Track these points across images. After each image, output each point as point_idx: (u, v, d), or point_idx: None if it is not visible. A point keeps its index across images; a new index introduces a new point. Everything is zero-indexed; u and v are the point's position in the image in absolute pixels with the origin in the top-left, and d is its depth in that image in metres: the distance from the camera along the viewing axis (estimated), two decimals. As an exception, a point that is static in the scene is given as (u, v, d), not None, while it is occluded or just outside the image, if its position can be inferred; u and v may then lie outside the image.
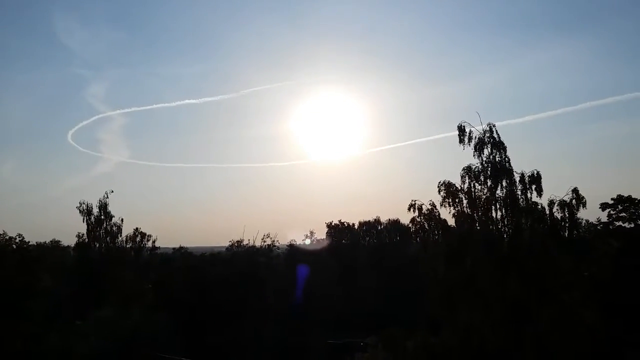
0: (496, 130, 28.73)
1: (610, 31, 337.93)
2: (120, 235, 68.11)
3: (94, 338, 44.26)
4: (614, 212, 45.18)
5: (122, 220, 67.65)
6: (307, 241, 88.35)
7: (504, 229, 28.52)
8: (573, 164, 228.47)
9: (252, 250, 66.98)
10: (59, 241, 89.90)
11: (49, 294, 50.92)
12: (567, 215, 27.76)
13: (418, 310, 40.26)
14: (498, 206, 28.24)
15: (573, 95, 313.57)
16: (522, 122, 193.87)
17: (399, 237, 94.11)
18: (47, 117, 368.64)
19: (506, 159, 28.49)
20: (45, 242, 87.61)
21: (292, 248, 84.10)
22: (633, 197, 44.87)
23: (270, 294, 60.88)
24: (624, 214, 44.81)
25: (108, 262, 64.57)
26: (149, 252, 76.07)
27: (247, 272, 61.67)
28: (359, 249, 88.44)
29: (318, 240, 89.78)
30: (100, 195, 66.37)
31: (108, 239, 66.95)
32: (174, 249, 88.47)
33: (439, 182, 28.70)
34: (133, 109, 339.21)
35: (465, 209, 28.49)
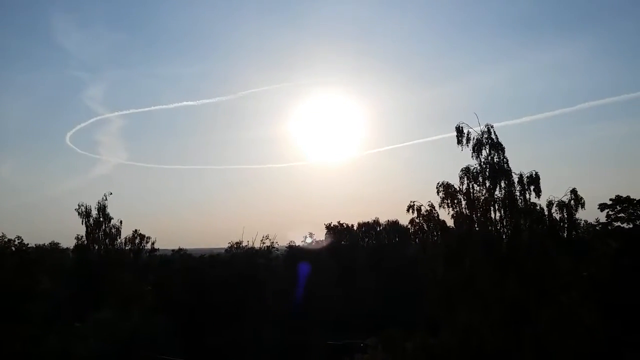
0: (494, 131, 28.79)
1: (609, 31, 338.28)
2: (119, 237, 68.11)
3: (93, 340, 44.22)
4: (612, 213, 45.27)
5: (121, 222, 67.67)
6: (308, 239, 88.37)
7: (503, 230, 28.54)
8: (571, 165, 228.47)
9: (251, 252, 67.03)
10: (58, 243, 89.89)
11: (48, 296, 50.85)
12: (566, 215, 27.80)
13: (417, 311, 40.27)
14: (497, 207, 28.26)
15: (571, 96, 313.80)
16: (520, 123, 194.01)
17: (398, 238, 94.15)
18: (45, 118, 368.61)
19: (504, 159, 28.54)
20: (44, 244, 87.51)
21: (292, 249, 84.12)
22: (631, 197, 44.98)
23: (270, 295, 60.94)
24: (622, 215, 44.89)
25: (107, 264, 64.55)
26: (148, 254, 75.97)
27: (246, 274, 61.74)
28: (358, 250, 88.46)
29: (317, 242, 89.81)
30: (99, 197, 66.39)
31: (107, 241, 66.93)
32: (173, 250, 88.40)
33: (438, 183, 28.76)
34: (131, 110, 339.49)
35: (464, 210, 28.52)
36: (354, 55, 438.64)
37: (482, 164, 28.58)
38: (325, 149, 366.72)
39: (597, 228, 49.12)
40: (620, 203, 45.04)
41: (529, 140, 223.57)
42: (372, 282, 72.83)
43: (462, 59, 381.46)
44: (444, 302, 28.17)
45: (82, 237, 66.21)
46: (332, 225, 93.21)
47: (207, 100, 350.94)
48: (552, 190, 28.25)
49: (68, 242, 76.85)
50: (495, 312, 26.71)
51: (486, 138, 28.66)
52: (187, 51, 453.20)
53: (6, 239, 65.61)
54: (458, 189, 28.54)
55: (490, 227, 28.41)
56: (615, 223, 45.31)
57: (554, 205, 27.80)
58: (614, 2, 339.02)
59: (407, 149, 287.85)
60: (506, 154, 28.62)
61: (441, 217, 29.01)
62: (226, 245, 71.06)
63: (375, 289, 71.92)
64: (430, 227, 29.37)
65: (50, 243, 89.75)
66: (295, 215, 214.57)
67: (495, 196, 28.24)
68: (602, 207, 45.67)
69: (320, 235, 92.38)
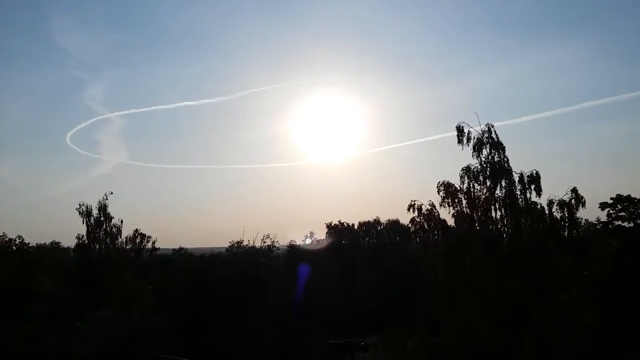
0: (495, 131, 28.79)
1: (609, 32, 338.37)
2: (120, 237, 68.15)
3: (94, 339, 44.22)
4: (613, 212, 45.21)
5: (121, 221, 67.71)
6: (308, 240, 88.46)
7: (504, 229, 28.55)
8: (572, 164, 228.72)
9: (252, 251, 67.01)
10: (59, 243, 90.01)
11: (48, 296, 50.85)
12: (567, 214, 27.80)
13: (418, 310, 40.28)
14: (497, 206, 28.27)
15: (571, 96, 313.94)
16: (521, 123, 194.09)
17: (398, 237, 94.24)
18: (46, 118, 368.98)
19: (505, 159, 28.53)
20: (45, 244, 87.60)
21: (292, 248, 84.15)
22: (632, 196, 44.91)
23: (270, 294, 60.94)
24: (623, 214, 44.84)
25: (108, 263, 64.60)
26: (148, 253, 76.10)
27: (247, 273, 61.73)
28: (358, 249, 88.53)
29: (318, 241, 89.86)
30: (100, 197, 66.44)
31: (108, 240, 66.97)
32: (173, 250, 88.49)
33: (438, 183, 28.75)
34: (131, 110, 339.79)
35: (464, 209, 28.52)
36: (354, 55, 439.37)
37: (482, 163, 28.58)
38: (325, 149, 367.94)
39: (597, 227, 49.09)
40: (621, 202, 45.00)
41: (530, 139, 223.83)
42: (372, 281, 72.89)
43: (462, 58, 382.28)
44: (444, 301, 28.19)
45: (83, 236, 66.30)
46: (332, 224, 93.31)
47: (208, 100, 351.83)
48: (553, 190, 28.31)
49: (69, 241, 77.10)
50: (496, 311, 26.72)
51: (487, 137, 28.66)
52: (187, 51, 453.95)
53: (7, 239, 65.65)
54: (459, 188, 28.55)
55: (491, 226, 28.42)
56: (616, 222, 45.26)
57: (555, 204, 27.81)
58: (614, 2, 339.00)
59: (407, 149, 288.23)
60: (507, 153, 28.66)
61: (442, 216, 29.05)
62: (227, 245, 71.13)
63: (376, 288, 72.00)
64: (430, 226, 29.37)
65: (51, 242, 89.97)
66: (296, 215, 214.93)
67: (496, 195, 28.25)
68: (602, 206, 45.62)
69: (321, 234, 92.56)
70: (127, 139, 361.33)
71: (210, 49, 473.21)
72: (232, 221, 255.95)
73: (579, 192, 27.69)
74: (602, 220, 47.47)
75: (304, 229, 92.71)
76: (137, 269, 69.20)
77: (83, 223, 65.73)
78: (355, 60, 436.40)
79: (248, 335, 55.24)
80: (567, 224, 28.03)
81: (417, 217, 29.11)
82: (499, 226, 28.45)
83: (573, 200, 27.64)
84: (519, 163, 28.83)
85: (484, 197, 28.31)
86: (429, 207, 28.93)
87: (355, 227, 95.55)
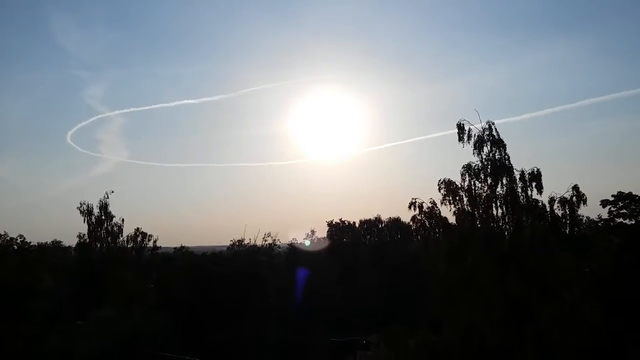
0: (495, 128, 28.72)
1: (609, 30, 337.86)
2: (121, 235, 68.16)
3: (95, 338, 44.23)
4: (614, 209, 45.17)
5: (122, 220, 67.74)
6: (307, 242, 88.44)
7: (505, 227, 28.50)
8: (573, 161, 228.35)
9: (253, 250, 66.95)
10: (60, 241, 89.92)
11: (50, 295, 50.94)
12: (568, 212, 27.75)
13: (419, 308, 40.30)
14: (498, 204, 28.23)
15: (572, 93, 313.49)
16: (521, 120, 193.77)
17: (399, 235, 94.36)
18: (46, 118, 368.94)
19: (506, 156, 28.48)
20: (46, 243, 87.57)
21: (293, 247, 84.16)
22: (634, 193, 44.86)
23: (272, 293, 60.91)
24: (624, 211, 44.79)
25: (109, 262, 64.62)
26: (150, 251, 75.95)
27: (248, 271, 61.67)
28: (359, 248, 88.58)
29: (319, 239, 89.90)
30: (101, 196, 66.47)
31: (109, 239, 67.00)
32: (175, 248, 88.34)
33: (439, 180, 28.70)
34: (132, 109, 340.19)
35: (465, 206, 28.48)
36: (353, 52, 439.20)
37: (483, 160, 28.54)
38: (326, 147, 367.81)
39: (599, 224, 49.12)
40: (622, 199, 44.94)
41: (530, 137, 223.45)
42: (374, 280, 72.93)
43: (462, 56, 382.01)
44: (446, 299, 28.16)
45: (84, 235, 66.36)
46: (333, 222, 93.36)
47: (208, 99, 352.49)
48: (554, 187, 28.26)
49: (70, 240, 76.95)
50: (497, 309, 26.69)
51: (487, 135, 28.61)
52: (187, 51, 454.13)
53: (8, 238, 65.80)
54: (460, 185, 28.50)
55: (492, 224, 28.38)
56: (617, 219, 45.21)
57: (556, 201, 27.75)
58: (614, 2, 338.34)
59: (408, 146, 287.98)
60: (507, 151, 28.59)
61: (443, 214, 28.99)
62: (228, 243, 71.06)
63: (377, 286, 72.03)
64: (432, 224, 29.31)
65: (52, 241, 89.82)
66: (297, 213, 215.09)
67: (497, 193, 28.20)
68: (604, 203, 45.58)
69: (322, 232, 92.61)
70: (128, 137, 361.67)
71: (210, 49, 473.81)
72: (233, 219, 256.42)
73: (580, 189, 27.65)
74: (603, 217, 47.55)
75: (305, 227, 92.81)
76: (138, 268, 69.17)
77: (84, 222, 65.82)
78: (355, 58, 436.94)
79: (249, 334, 55.22)
80: (568, 222, 27.99)
81: (418, 215, 29.06)
82: (500, 224, 28.41)
83: (574, 198, 27.59)
84: (520, 160, 28.83)
85: (485, 194, 28.28)
86: (430, 205, 28.89)
87: (356, 225, 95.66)
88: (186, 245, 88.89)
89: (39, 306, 46.33)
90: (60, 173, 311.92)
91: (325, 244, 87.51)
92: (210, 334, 55.45)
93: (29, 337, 43.68)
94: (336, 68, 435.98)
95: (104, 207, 65.98)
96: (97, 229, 66.21)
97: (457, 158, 29.28)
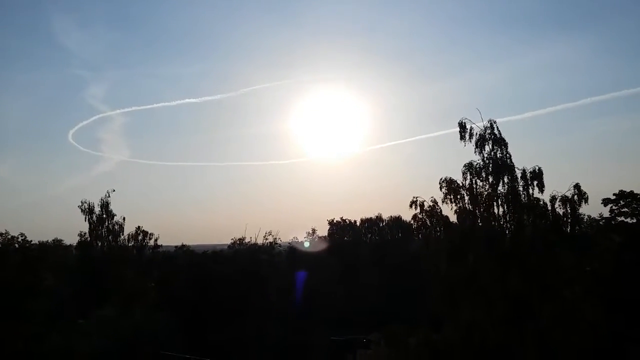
0: (497, 127, 28.66)
1: (610, 29, 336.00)
2: (122, 234, 68.49)
3: (96, 337, 44.25)
4: (615, 208, 45.04)
5: (124, 219, 68.01)
6: (307, 243, 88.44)
7: (506, 225, 28.46)
8: (574, 160, 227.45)
9: (254, 248, 67.01)
10: (61, 240, 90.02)
11: (51, 293, 50.91)
12: (569, 210, 27.69)
13: (420, 307, 40.30)
14: (500, 202, 28.18)
15: (573, 92, 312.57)
16: (523, 119, 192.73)
17: (400, 234, 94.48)
18: (47, 117, 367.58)
19: (507, 155, 28.44)
20: (47, 242, 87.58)
21: (294, 246, 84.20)
22: (635, 192, 44.72)
23: (273, 291, 60.97)
24: (626, 209, 44.65)
25: (110, 260, 64.76)
26: (151, 250, 76.11)
27: (249, 270, 61.71)
28: (360, 246, 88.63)
29: (320, 238, 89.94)
30: (102, 194, 66.72)
31: (110, 237, 67.24)
32: (176, 247, 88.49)
33: (441, 179, 28.65)
34: (133, 108, 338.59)
35: (467, 205, 28.44)
36: (355, 51, 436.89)
37: (485, 159, 28.49)
38: (327, 146, 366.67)
39: (600, 223, 48.99)
40: (624, 198, 44.81)
41: (532, 135, 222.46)
42: (375, 278, 72.98)
43: (464, 55, 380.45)
44: (447, 298, 28.14)
45: (85, 234, 66.59)
46: (334, 221, 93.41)
47: (209, 98, 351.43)
48: (556, 186, 28.20)
49: (71, 239, 77.15)
50: (498, 307, 26.66)
51: (489, 133, 28.57)
52: (188, 50, 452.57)
53: (9, 237, 65.68)
54: (461, 184, 28.45)
55: (493, 223, 28.35)
56: (618, 218, 45.05)
57: (557, 200, 27.69)
58: (616, 0, 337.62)
59: (409, 145, 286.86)
60: (509, 150, 28.56)
61: (444, 213, 28.90)
62: (229, 242, 71.16)
63: (378, 285, 72.08)
64: (433, 223, 29.26)
65: (53, 240, 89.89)
66: (298, 212, 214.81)
67: (499, 191, 28.17)
68: (605, 202, 45.45)
69: (323, 231, 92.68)
70: (129, 136, 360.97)
71: (211, 48, 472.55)
72: (234, 218, 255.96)
73: (581, 188, 27.60)
74: (604, 216, 47.36)
75: (306, 226, 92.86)
76: (139, 267, 69.26)
77: (85, 221, 66.14)
78: (356, 57, 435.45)
79: (250, 333, 55.26)
80: (569, 220, 27.95)
81: (420, 214, 29.02)
82: (501, 222, 28.38)
83: (576, 196, 27.53)
84: (522, 159, 28.76)
85: (486, 193, 28.25)
86: (431, 204, 28.84)
87: (357, 224, 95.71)
88: (187, 243, 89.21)
89: (39, 305, 46.30)
90: (61, 172, 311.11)
91: (326, 242, 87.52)
92: (211, 332, 55.49)
93: (30, 336, 43.64)
94: (337, 67, 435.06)
95: (105, 205, 66.21)
96: (98, 227, 66.43)
97: (458, 157, 29.26)
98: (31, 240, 67.16)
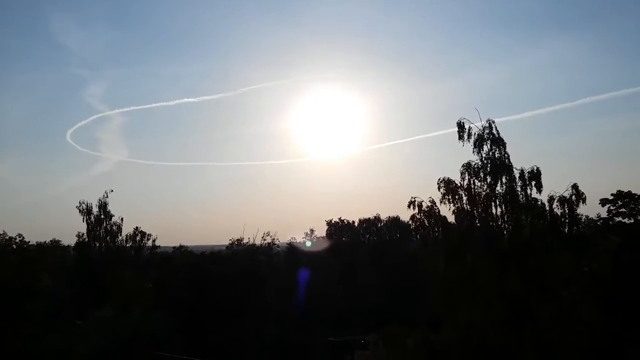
0: (495, 127, 28.71)
1: (609, 28, 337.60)
2: (120, 235, 68.15)
3: (94, 338, 44.23)
4: (613, 208, 45.11)
5: (122, 219, 67.74)
6: (308, 243, 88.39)
7: (504, 226, 28.47)
8: (572, 160, 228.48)
9: (252, 249, 66.95)
10: (59, 241, 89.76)
11: (49, 294, 50.87)
12: (567, 211, 27.73)
13: (418, 308, 40.29)
14: (498, 203, 28.19)
15: (572, 91, 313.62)
16: (521, 119, 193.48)
17: (399, 234, 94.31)
18: (46, 117, 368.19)
19: (506, 155, 28.45)
20: (45, 242, 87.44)
21: (292, 246, 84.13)
22: (633, 192, 44.81)
23: (271, 292, 60.88)
24: (623, 210, 44.72)
25: (108, 261, 64.59)
26: (149, 251, 75.87)
27: (247, 271, 61.66)
28: (359, 247, 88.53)
29: (318, 238, 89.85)
30: (100, 195, 66.52)
31: (108, 238, 66.98)
32: (174, 247, 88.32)
33: (439, 179, 28.66)
34: (132, 108, 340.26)
35: (465, 205, 28.45)
36: (354, 51, 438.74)
37: (483, 159, 28.51)
38: (325, 146, 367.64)
39: (598, 223, 49.06)
40: (622, 198, 44.88)
41: (530, 135, 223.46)
42: (373, 279, 72.90)
43: (463, 55, 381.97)
44: (445, 298, 28.14)
45: (83, 234, 66.33)
46: (333, 221, 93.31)
47: (208, 97, 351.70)
48: (553, 186, 28.24)
49: (69, 239, 76.86)
50: (496, 308, 26.67)
51: (487, 133, 28.58)
52: (187, 50, 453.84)
53: (7, 237, 65.72)
54: (459, 184, 28.47)
55: (491, 223, 28.35)
56: (616, 218, 45.14)
57: (555, 200, 27.73)
58: (615, 1, 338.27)
59: (407, 145, 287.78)
60: (507, 150, 28.58)
61: (442, 213, 28.96)
62: (227, 242, 71.11)
63: (377, 285, 71.99)
64: (431, 223, 29.29)
65: (51, 241, 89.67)
66: (296, 212, 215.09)
67: (497, 192, 28.17)
68: (603, 202, 45.52)
69: (321, 231, 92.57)
70: (128, 136, 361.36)
71: (210, 47, 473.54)
72: (233, 218, 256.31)
73: (579, 188, 27.65)
74: (602, 216, 47.46)
75: (304, 226, 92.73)
76: (137, 267, 69.13)
77: (83, 221, 65.84)
78: (356, 56, 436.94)
79: (248, 333, 55.19)
80: (567, 221, 27.98)
81: (418, 214, 29.04)
82: (499, 223, 28.39)
83: (573, 197, 27.57)
84: (520, 159, 28.81)
85: (484, 193, 28.25)
86: (430, 204, 28.85)
87: (356, 224, 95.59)
88: (185, 244, 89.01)
89: (37, 306, 46.29)
90: (60, 172, 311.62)
91: (325, 243, 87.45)
92: (209, 333, 55.43)
93: (28, 336, 43.63)
94: (336, 66, 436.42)
95: (103, 206, 66.00)
96: (96, 228, 66.20)
97: (457, 157, 29.30)
98: (29, 241, 67.36)
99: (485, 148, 28.52)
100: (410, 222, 30.64)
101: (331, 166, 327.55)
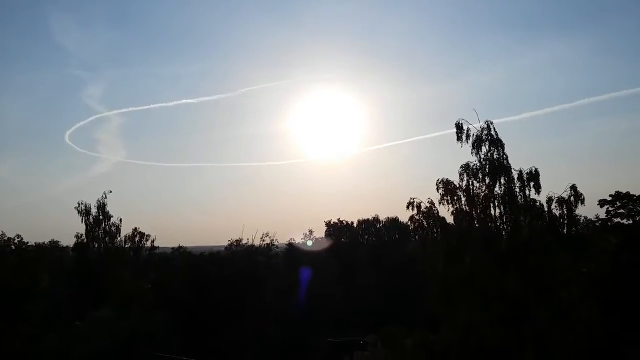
0: (494, 128, 28.73)
1: (609, 29, 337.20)
2: (119, 235, 68.22)
3: (93, 338, 44.20)
4: (612, 209, 45.19)
5: (120, 220, 67.81)
6: (309, 242, 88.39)
7: (503, 226, 28.51)
8: (571, 161, 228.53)
9: (251, 249, 66.95)
10: (58, 241, 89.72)
11: (47, 295, 50.88)
12: (566, 212, 27.79)
13: (417, 308, 40.35)
14: (496, 203, 28.23)
15: (571, 92, 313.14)
16: (520, 119, 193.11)
17: (397, 235, 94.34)
18: (45, 117, 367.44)
19: (504, 156, 28.49)
20: (43, 243, 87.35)
21: (291, 247, 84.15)
22: (631, 193, 44.88)
23: (270, 293, 60.90)
24: (622, 211, 44.81)
25: (107, 262, 64.63)
26: (147, 251, 75.84)
27: (246, 271, 61.66)
28: (358, 248, 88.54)
29: (317, 239, 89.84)
30: (99, 195, 66.58)
31: (107, 239, 67.03)
32: (172, 248, 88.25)
33: (437, 180, 28.69)
34: (130, 109, 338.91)
35: (463, 206, 28.48)
36: (353, 52, 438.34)
37: (481, 160, 28.54)
38: (324, 146, 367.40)
39: (596, 224, 49.15)
40: (620, 199, 44.96)
41: (529, 136, 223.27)
42: (372, 280, 72.92)
43: (461, 56, 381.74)
44: (444, 299, 28.18)
45: (81, 235, 66.37)
46: (331, 222, 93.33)
47: (207, 98, 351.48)
48: (552, 187, 28.30)
49: (68, 240, 76.84)
50: (495, 308, 26.70)
51: (486, 134, 28.62)
52: (186, 50, 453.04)
53: (5, 238, 65.70)
54: (458, 185, 28.51)
55: (490, 224, 28.39)
56: (615, 219, 45.23)
57: (554, 201, 27.79)
58: (614, 0, 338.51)
59: (406, 146, 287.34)
60: (506, 150, 28.62)
61: (441, 214, 28.99)
62: (226, 243, 71.09)
63: (375, 286, 72.00)
64: (430, 224, 29.33)
65: (49, 241, 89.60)
66: (295, 213, 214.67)
67: (495, 192, 28.21)
68: (601, 203, 45.59)
69: (320, 232, 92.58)
70: (126, 137, 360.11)
71: (209, 48, 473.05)
72: (231, 219, 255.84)
73: (578, 189, 27.71)
74: (601, 217, 47.58)
75: (303, 227, 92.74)
76: (136, 268, 69.16)
77: (82, 222, 65.91)
78: (355, 57, 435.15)
79: (247, 334, 55.20)
80: (566, 221, 28.04)
81: (416, 215, 29.08)
82: (498, 224, 28.43)
83: (572, 198, 27.64)
84: (518, 160, 28.85)
85: (483, 194, 28.28)
86: (428, 205, 28.89)
87: (355, 224, 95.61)
88: (184, 245, 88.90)
89: (36, 306, 46.27)
90: (58, 173, 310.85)
91: (323, 243, 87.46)
92: (208, 334, 55.42)
93: (27, 337, 43.59)
94: (335, 67, 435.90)
95: (101, 207, 66.05)
96: (95, 229, 66.24)
97: (455, 158, 29.32)
98: (27, 242, 67.32)
99: (484, 149, 28.56)
100: (409, 223, 30.72)
101: (330, 167, 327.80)
